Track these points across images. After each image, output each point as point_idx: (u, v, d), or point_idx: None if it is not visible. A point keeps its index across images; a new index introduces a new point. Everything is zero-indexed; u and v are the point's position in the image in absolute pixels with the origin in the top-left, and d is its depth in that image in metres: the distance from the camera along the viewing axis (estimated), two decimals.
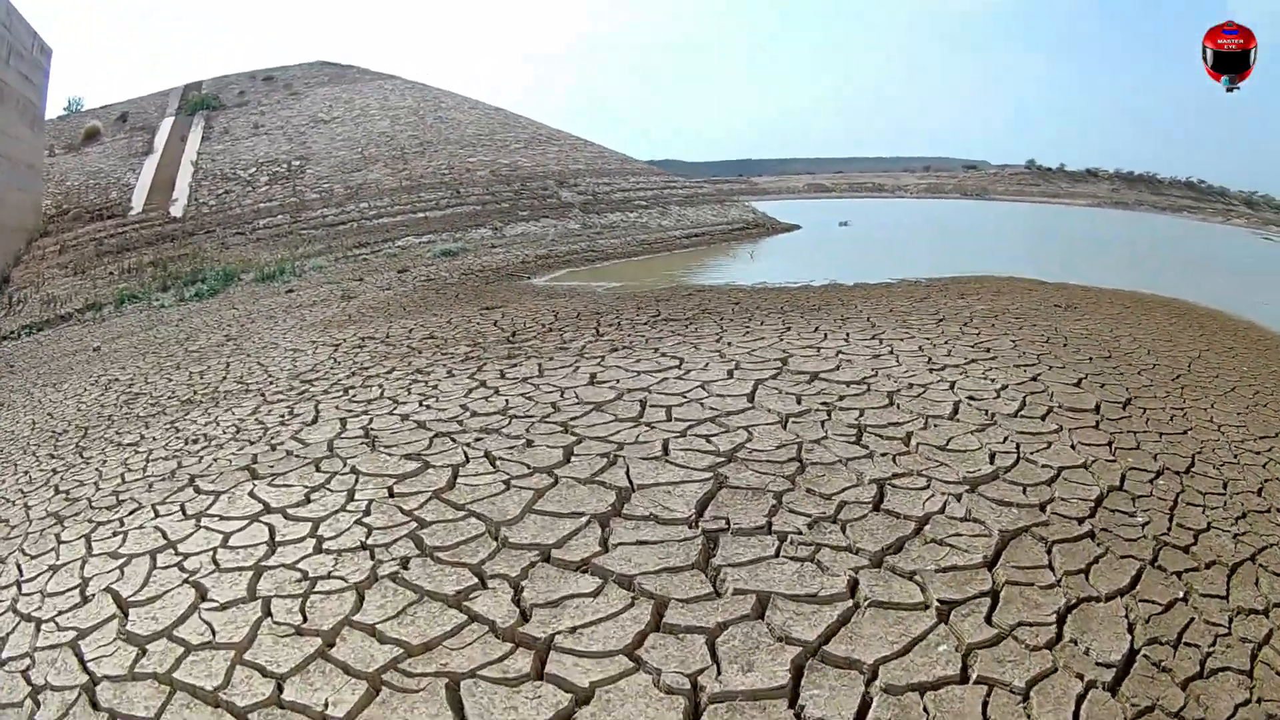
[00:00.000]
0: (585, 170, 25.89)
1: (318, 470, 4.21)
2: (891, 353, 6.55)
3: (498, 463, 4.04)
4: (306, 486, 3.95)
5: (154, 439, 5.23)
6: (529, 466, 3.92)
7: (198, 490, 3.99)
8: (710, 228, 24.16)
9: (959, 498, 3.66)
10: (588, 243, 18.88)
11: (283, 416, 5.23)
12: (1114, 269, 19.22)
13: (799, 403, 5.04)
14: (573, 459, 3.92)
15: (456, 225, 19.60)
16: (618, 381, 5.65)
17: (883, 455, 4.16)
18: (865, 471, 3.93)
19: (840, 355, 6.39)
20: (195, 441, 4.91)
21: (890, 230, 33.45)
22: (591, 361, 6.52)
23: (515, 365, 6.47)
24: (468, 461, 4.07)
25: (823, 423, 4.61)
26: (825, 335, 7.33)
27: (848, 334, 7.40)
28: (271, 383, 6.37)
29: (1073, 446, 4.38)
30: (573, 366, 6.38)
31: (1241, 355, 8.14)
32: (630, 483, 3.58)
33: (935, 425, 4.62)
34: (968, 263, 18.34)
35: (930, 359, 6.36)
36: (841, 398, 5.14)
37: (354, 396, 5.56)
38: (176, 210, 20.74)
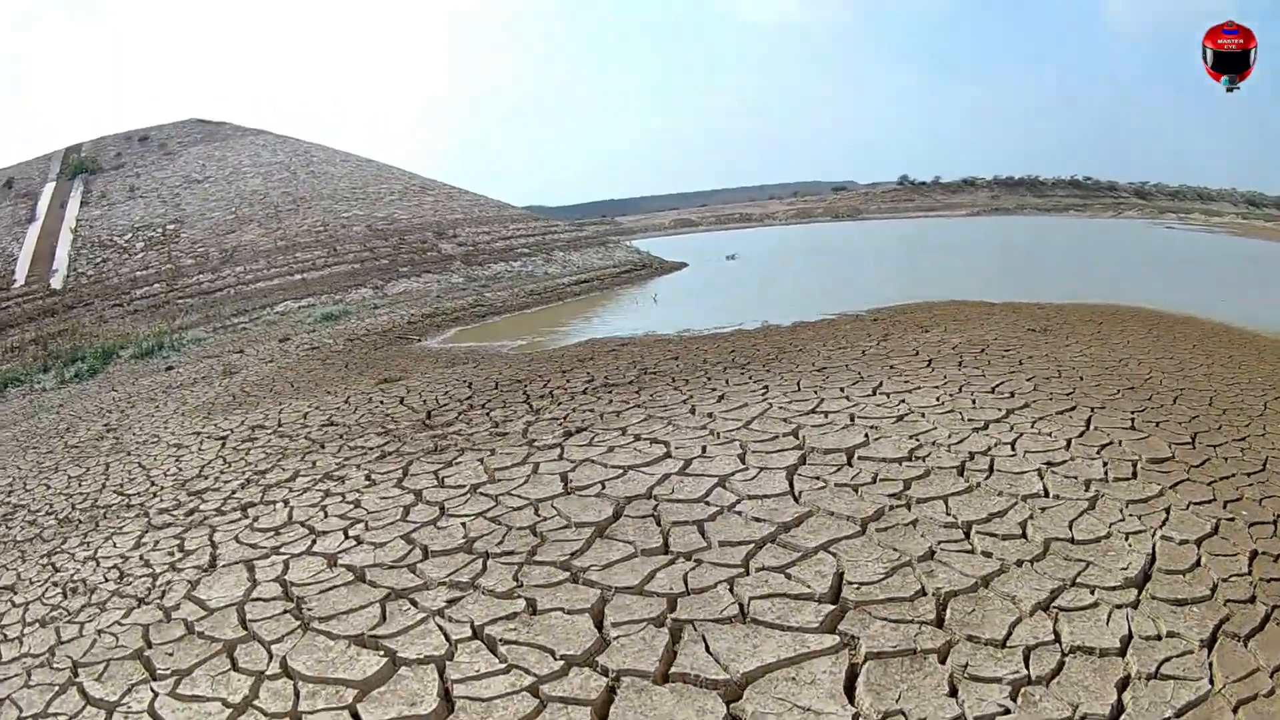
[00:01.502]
0: (463, 219, 27.77)
1: (235, 669, 3.11)
2: (913, 411, 6.02)
3: (500, 648, 2.98)
4: (227, 705, 2.85)
5: (30, 581, 4.65)
6: (553, 654, 2.90)
7: (85, 697, 3.16)
8: (599, 272, 25.31)
9: (1135, 606, 3.17)
10: (475, 297, 19.43)
11: (172, 553, 4.59)
12: (1039, 278, 20.54)
13: (860, 497, 4.29)
14: (613, 638, 2.93)
15: (336, 286, 20.69)
16: (602, 486, 4.69)
17: (1017, 565, 3.47)
18: (1016, 594, 3.22)
19: (858, 421, 5.77)
20: (75, 592, 4.31)
21: (779, 259, 34.90)
22: (548, 454, 5.56)
23: (451, 464, 5.57)
24: (453, 650, 2.99)
25: (914, 525, 3.88)
26: (818, 394, 6.74)
27: (844, 390, 6.84)
28: (155, 495, 5.94)
29: (1192, 511, 4.02)
30: (528, 463, 5.42)
31: (1246, 364, 8.42)
32: (726, 671, 2.63)
33: (1041, 509, 4.06)
34: (882, 287, 19.39)
35: (962, 414, 5.90)
36: (907, 485, 4.45)
37: (256, 521, 4.88)
38: (56, 282, 21.67)
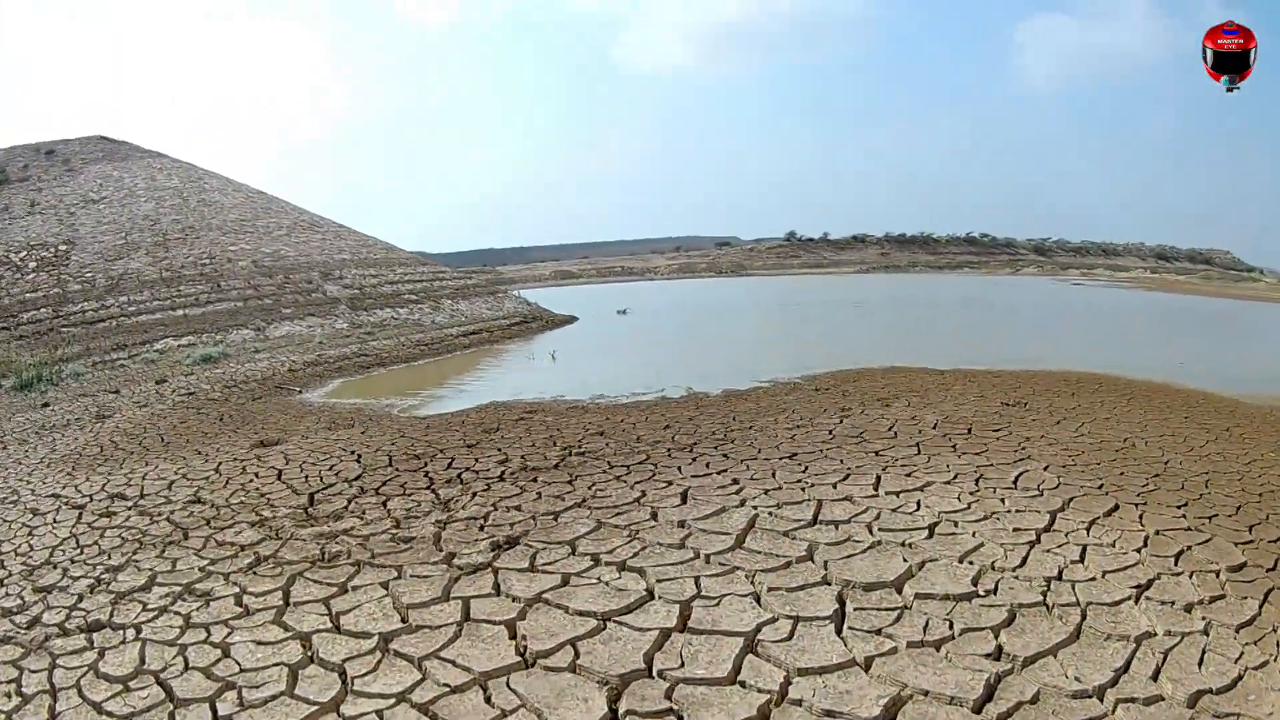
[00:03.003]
0: (350, 260, 29.04)
1: None
2: (941, 519, 5.28)
3: None
4: None
5: None
6: None
7: None
8: (488, 323, 26.13)
9: None
10: (359, 345, 19.97)
11: (8, 695, 3.69)
12: (964, 339, 20.93)
13: (951, 663, 3.40)
14: None
15: (217, 324, 21.47)
16: (575, 651, 3.57)
17: None
18: None
19: (883, 537, 4.95)
20: None
21: (671, 315, 35.12)
22: (479, 582, 4.40)
23: (346, 589, 4.50)
24: None
25: (1037, 702, 3.11)
26: (806, 492, 5.92)
27: (837, 487, 6.05)
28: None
29: None
30: (452, 599, 4.27)
31: (1246, 436, 8.54)
32: None
33: (1160, 652, 3.56)
34: (797, 348, 19.64)
35: (1002, 522, 5.25)
36: (995, 634, 3.65)
37: (102, 659, 3.94)
38: None
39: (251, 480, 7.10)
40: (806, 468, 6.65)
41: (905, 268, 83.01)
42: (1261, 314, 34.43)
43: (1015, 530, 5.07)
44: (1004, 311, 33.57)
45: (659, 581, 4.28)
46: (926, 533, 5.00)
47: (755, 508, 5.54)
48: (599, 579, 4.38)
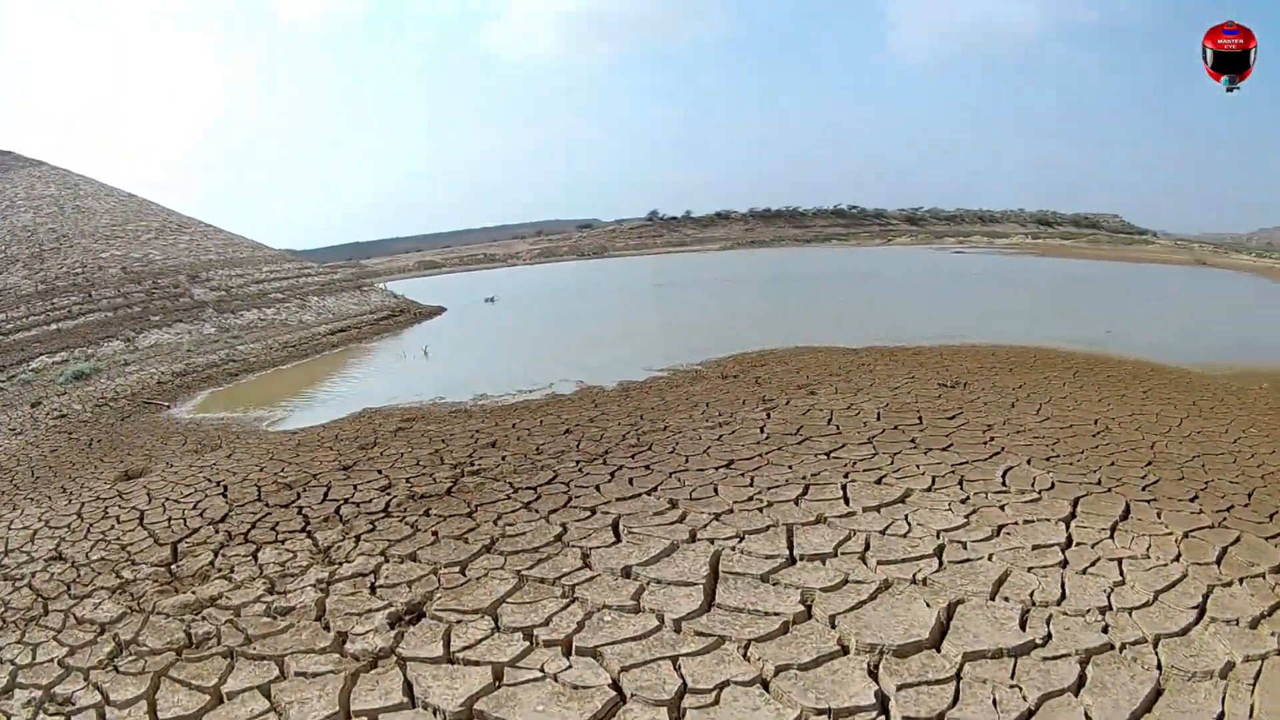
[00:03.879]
0: (218, 261, 29.22)
1: None
2: (946, 540, 4.63)
3: None
4: None
5: None
6: None
7: None
8: (355, 319, 26.17)
9: None
10: (227, 350, 20.01)
11: None
12: (866, 317, 20.81)
13: None
14: None
15: (89, 337, 21.24)
16: None
17: None
18: None
19: (886, 574, 4.20)
20: None
21: (541, 301, 34.20)
22: (385, 694, 3.31)
23: (219, 700, 3.57)
24: None
25: None
26: (765, 513, 5.13)
27: (800, 503, 5.28)
28: None
29: None
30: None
31: (1217, 411, 8.48)
32: None
33: (1244, 683, 3.22)
34: (682, 330, 19.27)
35: (1015, 538, 4.66)
36: (1077, 692, 2.92)
37: None
38: None
39: (113, 527, 6.38)
40: (752, 479, 5.84)
41: (770, 242, 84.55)
42: (1164, 276, 36.07)
43: (1035, 548, 4.45)
44: (892, 283, 34.11)
45: (624, 669, 3.33)
46: (936, 562, 4.28)
47: (711, 541, 4.68)
48: (542, 670, 3.40)
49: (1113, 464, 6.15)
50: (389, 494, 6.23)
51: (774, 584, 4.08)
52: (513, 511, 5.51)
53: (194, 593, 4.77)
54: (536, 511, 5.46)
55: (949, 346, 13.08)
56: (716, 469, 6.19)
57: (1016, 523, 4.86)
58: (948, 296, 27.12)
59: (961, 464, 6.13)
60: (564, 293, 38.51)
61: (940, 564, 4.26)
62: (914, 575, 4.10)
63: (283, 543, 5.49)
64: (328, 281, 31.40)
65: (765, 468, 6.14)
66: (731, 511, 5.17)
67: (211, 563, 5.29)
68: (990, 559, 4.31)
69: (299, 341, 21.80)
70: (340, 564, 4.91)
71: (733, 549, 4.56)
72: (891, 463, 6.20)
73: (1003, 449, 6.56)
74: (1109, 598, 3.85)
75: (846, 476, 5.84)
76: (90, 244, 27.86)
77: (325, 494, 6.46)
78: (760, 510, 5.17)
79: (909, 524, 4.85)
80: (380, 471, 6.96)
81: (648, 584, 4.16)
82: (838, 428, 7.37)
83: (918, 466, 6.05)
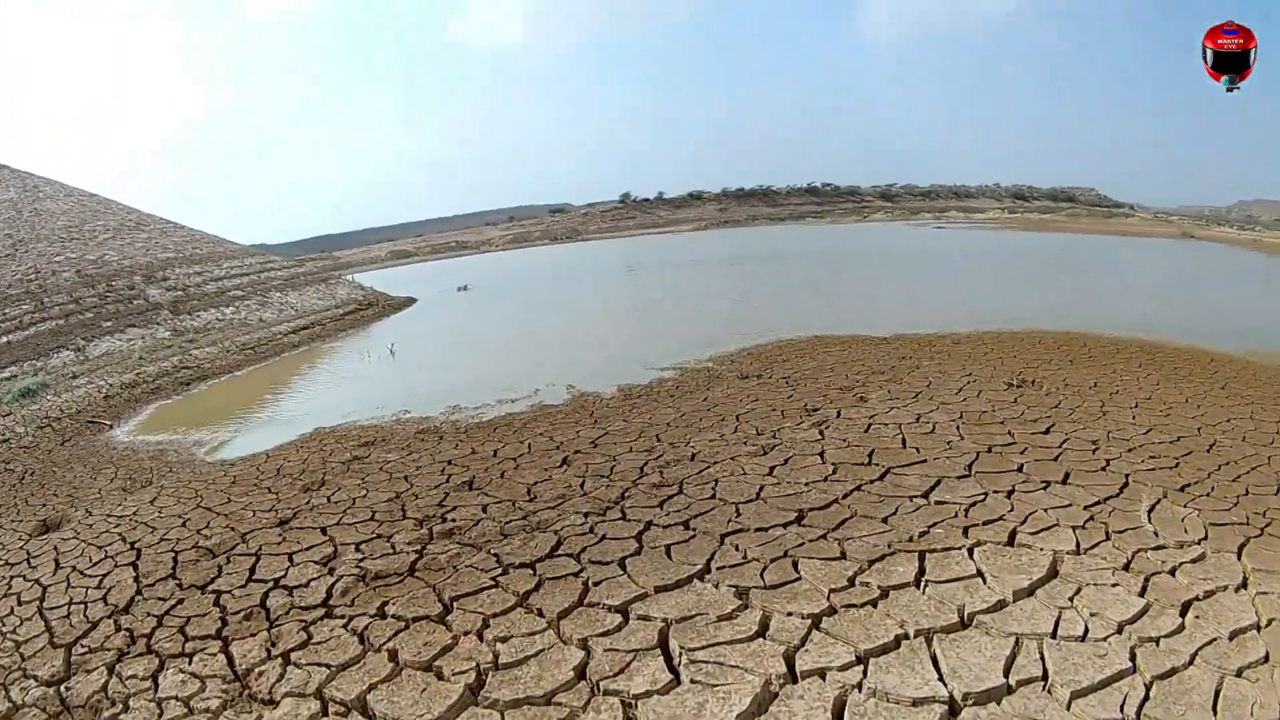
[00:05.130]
0: (176, 259, 27.94)
1: None
2: (1137, 641, 3.04)
3: None
4: None
5: None
6: None
7: None
8: (320, 314, 24.92)
9: None
10: (180, 356, 19.14)
11: None
12: (872, 299, 19.19)
13: None
14: None
15: (39, 349, 20.53)
16: None
17: None
18: None
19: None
20: None
21: (516, 289, 32.16)
22: None
23: None
24: None
25: None
26: (890, 615, 3.53)
27: (925, 589, 3.66)
28: None
29: None
30: None
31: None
32: None
33: None
34: (678, 319, 17.59)
35: (1200, 623, 3.21)
36: None
37: None
38: None
39: (11, 612, 5.21)
40: (841, 546, 4.20)
41: (744, 222, 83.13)
42: (1158, 250, 34.76)
43: (1233, 637, 3.28)
44: (884, 260, 32.41)
45: None
46: (1140, 683, 2.98)
47: (822, 675, 3.03)
48: None
49: (1247, 492, 5.00)
50: (332, 571, 4.59)
51: None
52: (505, 612, 3.83)
53: None
54: (539, 614, 3.78)
55: (985, 334, 11.54)
56: (785, 526, 4.53)
57: (1197, 597, 3.64)
58: (949, 275, 25.18)
59: (1095, 504, 4.68)
60: (538, 279, 36.52)
61: (1147, 687, 2.86)
62: (1122, 707, 2.55)
63: (191, 658, 3.98)
64: (291, 276, 29.91)
65: (852, 522, 4.50)
66: (833, 612, 3.52)
67: (104, 687, 3.94)
68: (1194, 663, 3.14)
69: (258, 343, 20.75)
70: (262, 708, 3.25)
71: (858, 689, 2.91)
72: (1011, 507, 4.64)
73: (1127, 478, 5.14)
74: None
75: (966, 534, 4.25)
76: (45, 248, 26.72)
77: (252, 569, 4.86)
78: (873, 606, 3.53)
79: (1081, 617, 3.42)
80: (324, 531, 5.32)
81: None
82: (918, 451, 5.75)
83: (1046, 511, 4.56)
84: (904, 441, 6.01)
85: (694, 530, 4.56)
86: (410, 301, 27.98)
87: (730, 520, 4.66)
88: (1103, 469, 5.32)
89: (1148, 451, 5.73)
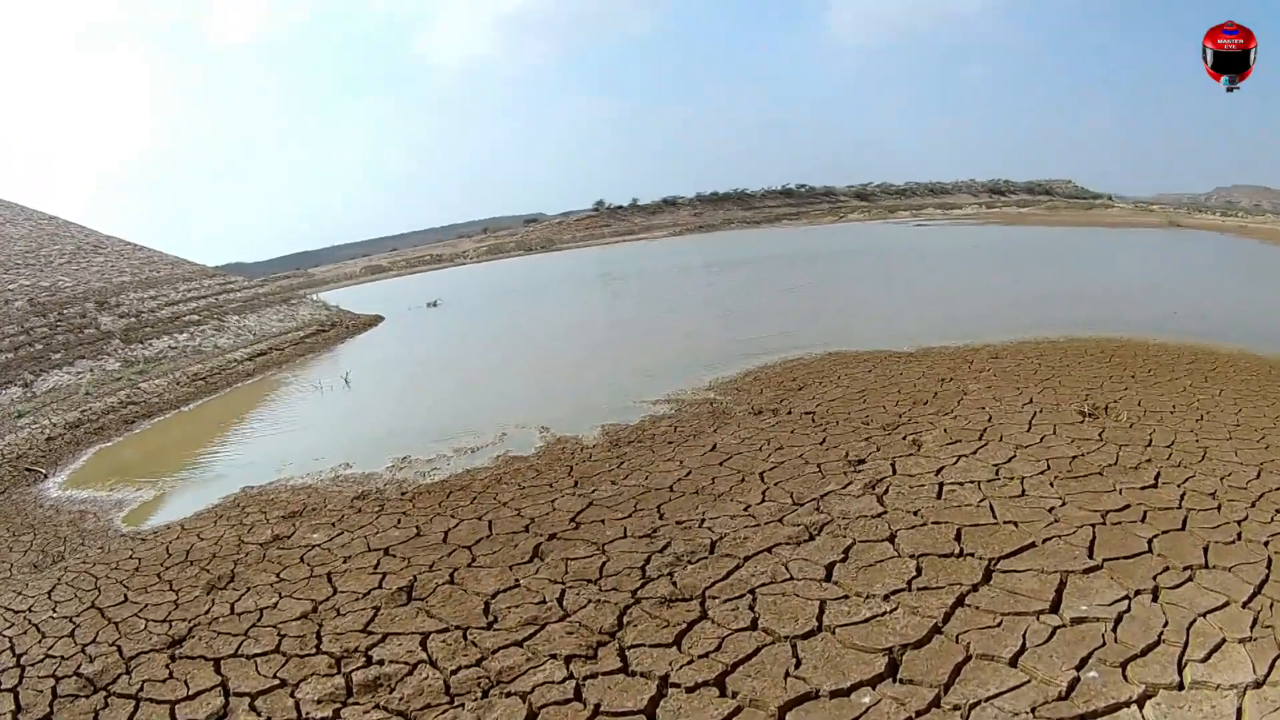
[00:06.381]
0: (131, 283, 27.05)
1: None
2: None
3: None
4: None
5: None
6: None
7: None
8: (278, 338, 23.91)
9: None
10: (128, 389, 18.26)
11: None
12: (876, 306, 17.71)
13: None
14: None
15: None
16: None
17: None
18: None
19: None
20: None
21: (489, 304, 30.52)
22: None
23: None
24: None
25: None
26: None
27: None
28: None
29: None
30: None
31: None
32: None
33: None
34: (659, 336, 16.11)
35: None
36: None
37: None
38: None
39: None
40: None
41: (720, 226, 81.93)
42: (1150, 241, 33.49)
43: None
44: (874, 262, 30.90)
45: None
46: None
47: None
48: None
49: None
50: None
51: None
52: None
53: None
54: None
55: (1024, 345, 10.31)
56: (873, 685, 3.17)
57: None
58: (949, 275, 23.58)
59: (1250, 598, 3.55)
60: (512, 293, 34.75)
61: None
62: None
63: None
64: (251, 297, 28.66)
65: (969, 672, 3.11)
66: None
67: None
68: None
69: (210, 373, 19.81)
70: None
71: None
72: (1165, 619, 3.43)
73: (1268, 545, 4.06)
74: None
75: (1126, 674, 2.93)
76: (1, 275, 25.70)
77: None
78: None
79: None
80: (218, 668, 4.05)
81: None
82: (1016, 526, 4.42)
83: (1204, 618, 3.38)
84: (993, 510, 4.66)
85: (735, 697, 3.11)
86: (377, 320, 26.57)
87: (787, 674, 3.22)
88: (1239, 538, 4.14)
89: (1271, 504, 4.57)
